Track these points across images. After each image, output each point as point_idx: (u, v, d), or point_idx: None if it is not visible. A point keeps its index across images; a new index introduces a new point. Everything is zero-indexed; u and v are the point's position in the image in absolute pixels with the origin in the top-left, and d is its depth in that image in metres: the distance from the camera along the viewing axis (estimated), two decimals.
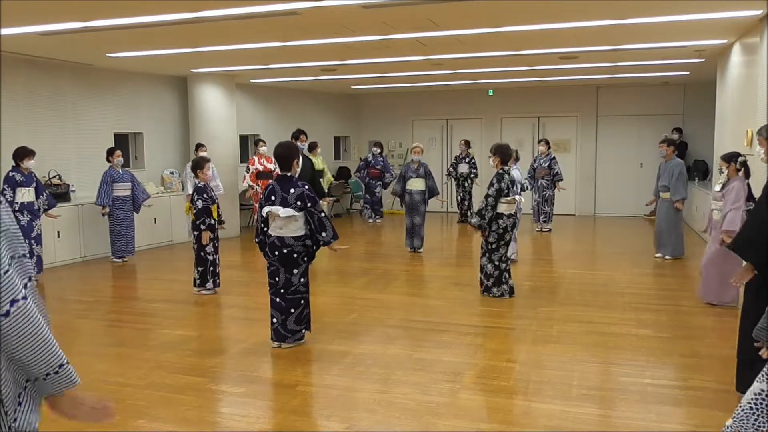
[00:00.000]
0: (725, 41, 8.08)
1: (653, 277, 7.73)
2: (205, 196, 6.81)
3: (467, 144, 13.08)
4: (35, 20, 6.10)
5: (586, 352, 4.92)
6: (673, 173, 8.40)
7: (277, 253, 4.99)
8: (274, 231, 4.99)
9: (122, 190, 8.88)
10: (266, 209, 5.00)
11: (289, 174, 5.05)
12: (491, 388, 4.24)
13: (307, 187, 5.03)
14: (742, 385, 3.96)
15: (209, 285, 6.97)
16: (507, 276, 6.63)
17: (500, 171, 6.57)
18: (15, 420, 1.59)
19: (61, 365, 1.61)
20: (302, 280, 5.05)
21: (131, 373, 4.59)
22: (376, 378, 4.43)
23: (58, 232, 8.69)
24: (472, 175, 12.86)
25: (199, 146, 9.96)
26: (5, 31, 6.48)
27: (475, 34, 7.16)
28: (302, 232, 4.98)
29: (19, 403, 1.61)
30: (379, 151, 13.11)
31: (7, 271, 1.50)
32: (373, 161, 13.05)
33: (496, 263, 6.56)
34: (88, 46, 7.65)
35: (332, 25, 6.46)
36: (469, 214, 12.94)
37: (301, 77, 11.60)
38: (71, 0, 5.31)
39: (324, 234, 4.97)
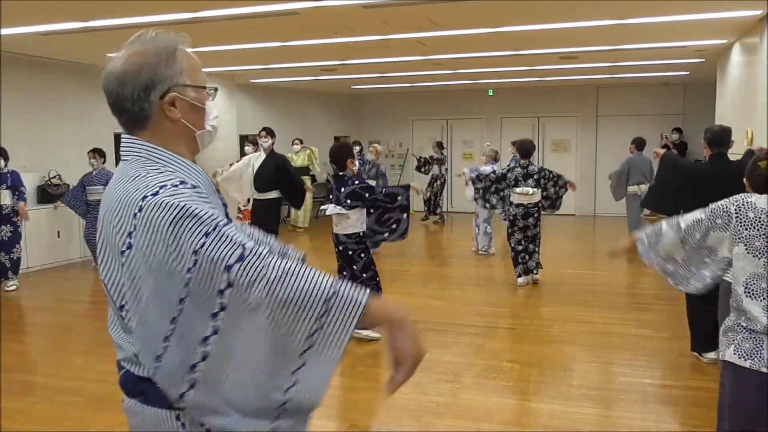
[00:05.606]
0: (725, 41, 8.08)
1: (653, 277, 7.71)
2: None
3: (440, 146, 12.83)
4: (35, 20, 6.10)
5: (586, 352, 4.92)
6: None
7: (336, 249, 5.28)
8: (334, 227, 5.28)
9: (97, 194, 8.00)
10: (324, 207, 5.36)
11: (341, 173, 5.29)
12: (491, 388, 4.24)
13: (357, 182, 5.20)
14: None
15: None
16: (525, 257, 7.03)
17: (518, 164, 7.25)
18: None
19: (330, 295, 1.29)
20: (365, 274, 5.21)
21: None
22: (376, 378, 4.43)
23: (58, 231, 8.69)
24: (443, 179, 12.58)
25: None
26: (5, 31, 6.48)
27: (475, 34, 7.16)
28: (355, 230, 5.16)
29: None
30: (358, 149, 10.24)
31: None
32: (360, 168, 8.79)
33: (512, 245, 7.08)
34: (88, 46, 7.65)
35: (332, 25, 6.46)
36: (435, 212, 12.77)
37: (301, 77, 11.59)
38: (71, 0, 5.32)
39: (386, 235, 5.17)
